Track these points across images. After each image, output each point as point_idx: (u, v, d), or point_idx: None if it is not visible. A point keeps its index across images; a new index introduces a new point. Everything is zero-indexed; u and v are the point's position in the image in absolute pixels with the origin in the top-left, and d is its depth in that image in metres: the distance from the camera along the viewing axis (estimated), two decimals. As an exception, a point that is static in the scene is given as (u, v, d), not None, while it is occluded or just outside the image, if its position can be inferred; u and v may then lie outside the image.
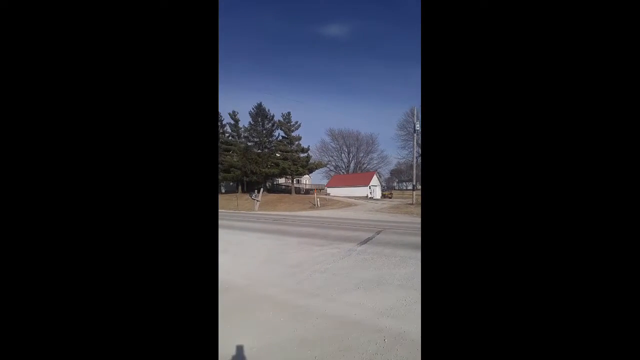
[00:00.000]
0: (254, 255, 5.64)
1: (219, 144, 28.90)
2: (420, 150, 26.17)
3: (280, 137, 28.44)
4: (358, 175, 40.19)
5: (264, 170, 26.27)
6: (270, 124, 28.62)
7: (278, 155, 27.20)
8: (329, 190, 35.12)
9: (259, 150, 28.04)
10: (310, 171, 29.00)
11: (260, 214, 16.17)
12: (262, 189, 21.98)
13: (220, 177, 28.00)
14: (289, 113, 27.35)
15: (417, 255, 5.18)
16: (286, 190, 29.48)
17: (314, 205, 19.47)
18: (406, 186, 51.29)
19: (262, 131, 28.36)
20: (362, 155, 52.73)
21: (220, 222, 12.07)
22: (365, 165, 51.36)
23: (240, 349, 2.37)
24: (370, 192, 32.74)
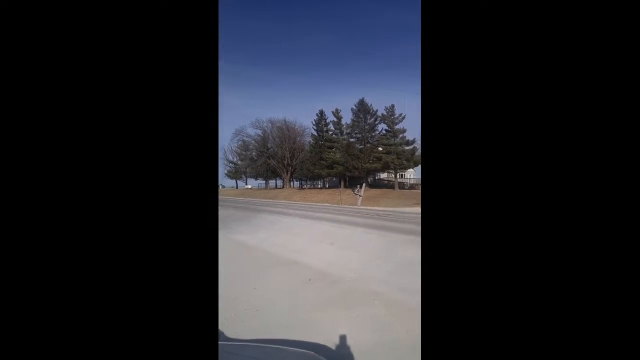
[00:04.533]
0: (361, 250, 5.75)
1: (323, 142, 30.67)
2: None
3: (384, 131, 27.88)
4: (472, 168, 35.33)
5: (365, 165, 26.38)
6: (372, 119, 28.42)
7: (380, 149, 26.76)
8: (436, 185, 32.24)
9: (361, 146, 28.28)
10: (416, 164, 27.37)
11: (363, 209, 16.38)
12: (364, 184, 22.15)
13: (324, 172, 29.72)
14: (392, 105, 26.37)
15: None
16: (389, 185, 28.76)
17: (420, 201, 18.19)
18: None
19: (365, 126, 28.44)
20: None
21: (324, 215, 12.88)
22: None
23: (343, 338, 2.43)
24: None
